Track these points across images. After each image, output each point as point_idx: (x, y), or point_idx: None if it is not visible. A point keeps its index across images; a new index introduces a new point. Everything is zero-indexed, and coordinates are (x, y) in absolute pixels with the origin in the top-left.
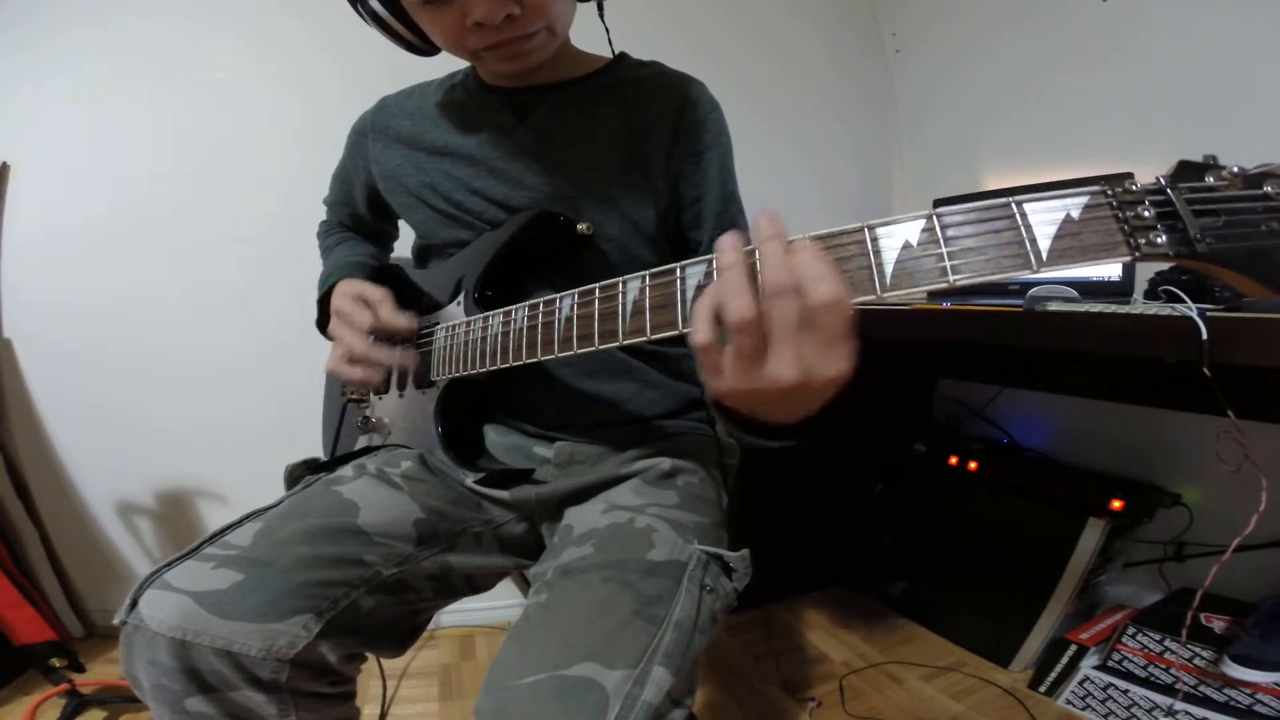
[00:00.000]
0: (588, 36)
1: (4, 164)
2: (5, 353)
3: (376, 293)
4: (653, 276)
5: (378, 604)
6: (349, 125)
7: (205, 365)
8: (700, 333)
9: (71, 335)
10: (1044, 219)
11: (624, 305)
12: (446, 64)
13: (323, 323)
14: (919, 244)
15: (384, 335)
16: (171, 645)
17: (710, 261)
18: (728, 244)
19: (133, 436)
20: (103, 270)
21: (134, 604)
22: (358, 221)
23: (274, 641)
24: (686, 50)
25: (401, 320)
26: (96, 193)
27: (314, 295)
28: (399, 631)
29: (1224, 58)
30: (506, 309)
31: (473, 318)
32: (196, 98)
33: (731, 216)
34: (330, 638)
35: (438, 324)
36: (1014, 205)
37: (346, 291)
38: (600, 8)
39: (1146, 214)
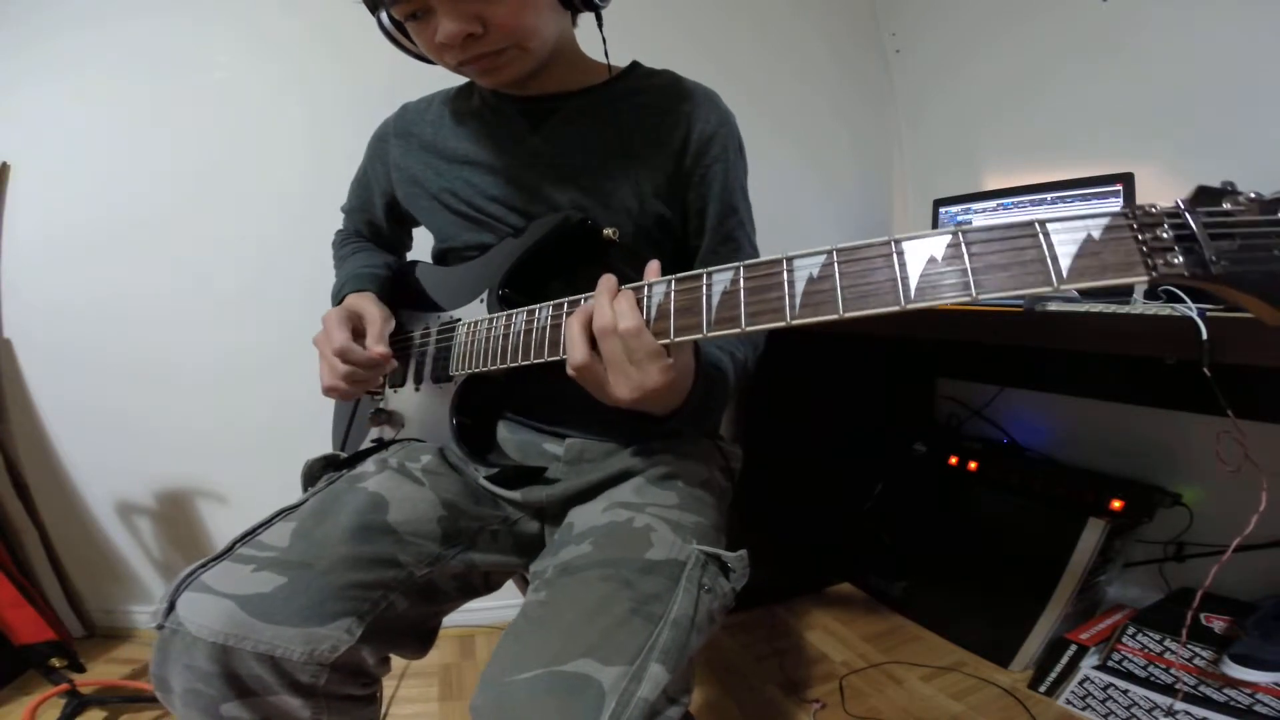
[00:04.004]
0: (597, 42)
1: (4, 164)
2: (5, 353)
3: (373, 313)
4: (678, 281)
5: (410, 605)
6: (349, 125)
7: (205, 365)
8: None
9: (71, 335)
10: (1065, 238)
11: (649, 308)
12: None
13: None
14: (944, 258)
15: (350, 358)
16: (212, 650)
17: (738, 269)
18: (585, 305)
19: (133, 436)
20: (103, 270)
21: (171, 607)
22: (374, 230)
23: (317, 645)
24: (687, 50)
25: (377, 349)
26: (96, 193)
27: (316, 295)
28: (422, 632)
29: (1224, 57)
30: (529, 307)
31: (495, 315)
32: (196, 98)
33: (729, 230)
34: (370, 641)
35: (458, 320)
36: (1037, 224)
37: (346, 305)
38: (599, 20)
39: (1165, 235)
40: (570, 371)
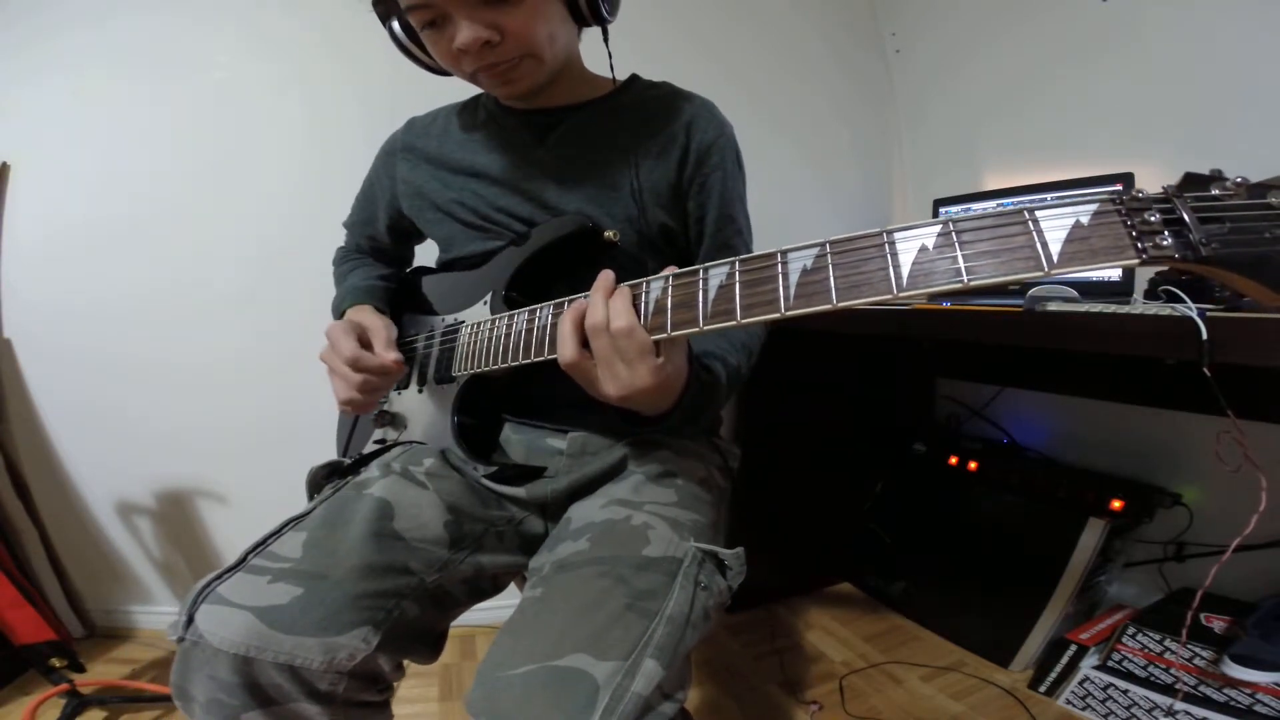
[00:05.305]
0: (604, 54)
1: (4, 164)
2: (5, 353)
3: (376, 322)
4: (675, 277)
5: (422, 611)
6: (349, 125)
7: (205, 365)
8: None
9: (71, 335)
10: (1055, 224)
11: (646, 304)
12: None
13: None
14: (935, 248)
15: (363, 365)
16: (234, 661)
17: (733, 263)
18: (575, 304)
19: (133, 436)
20: (103, 270)
21: (190, 620)
22: (374, 244)
23: (335, 654)
24: (688, 50)
25: (388, 356)
26: (96, 193)
27: (317, 295)
28: (432, 637)
29: (1224, 57)
30: (531, 307)
31: (498, 315)
32: (196, 98)
33: (726, 237)
34: (385, 648)
35: (462, 322)
36: (1026, 211)
37: (347, 319)
38: (605, 34)
39: (1153, 219)
40: (562, 367)
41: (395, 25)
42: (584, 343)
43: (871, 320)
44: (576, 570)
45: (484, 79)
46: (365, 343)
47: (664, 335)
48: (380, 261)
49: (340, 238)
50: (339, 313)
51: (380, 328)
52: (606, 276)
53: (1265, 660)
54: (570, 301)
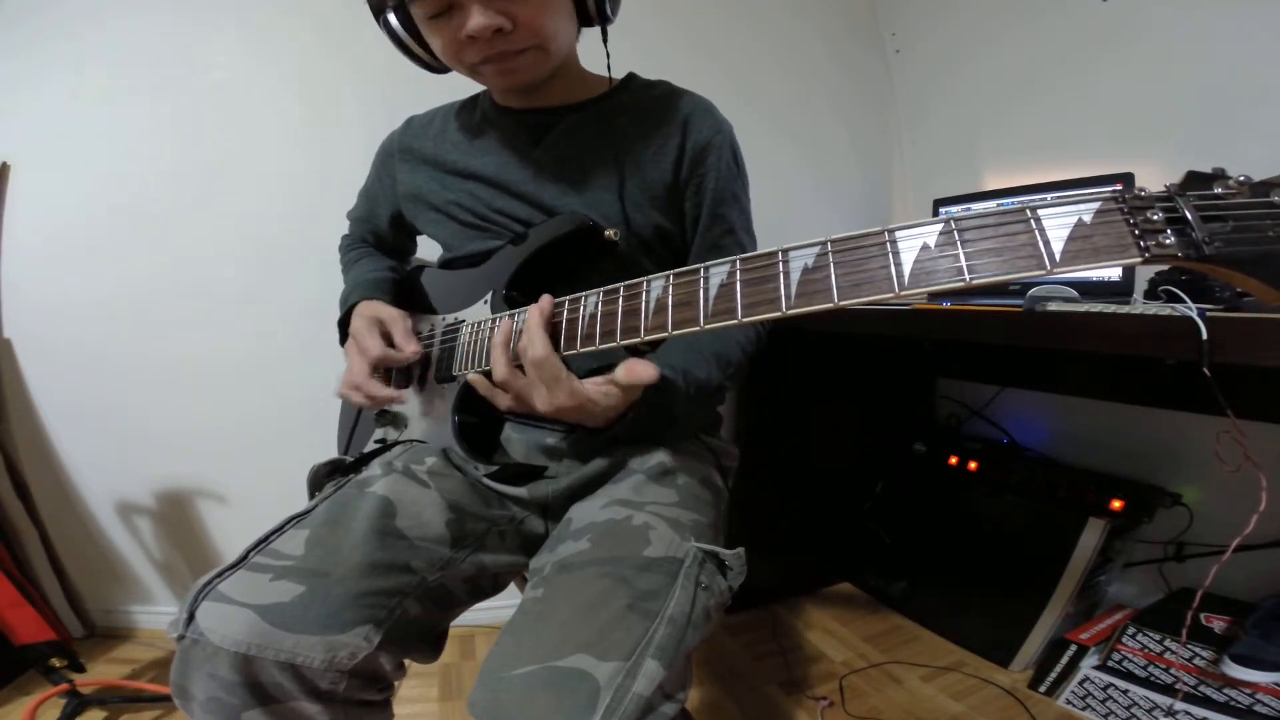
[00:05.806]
0: (600, 54)
1: (4, 164)
2: (5, 353)
3: (392, 313)
4: (676, 276)
5: (423, 610)
6: (349, 125)
7: (205, 365)
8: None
9: (71, 335)
10: (1057, 223)
11: (647, 303)
12: (455, 77)
13: (344, 339)
14: (937, 246)
15: (390, 363)
16: (234, 659)
17: (734, 262)
18: (503, 324)
19: (133, 436)
20: (103, 270)
21: (191, 617)
22: (379, 238)
23: (336, 653)
24: (687, 50)
25: (409, 349)
26: (96, 193)
27: (316, 294)
28: (433, 636)
29: (1224, 57)
30: (530, 307)
31: (498, 315)
32: (196, 98)
33: (715, 237)
34: (387, 647)
35: (463, 321)
36: (1028, 210)
37: (364, 313)
38: (604, 34)
39: (1155, 218)
40: (495, 384)
41: (392, 18)
42: (516, 363)
43: (871, 320)
44: (578, 571)
45: (487, 70)
46: (386, 336)
47: (664, 334)
48: (384, 253)
49: (344, 227)
50: (347, 305)
51: (397, 318)
52: (543, 302)
53: (1265, 660)
54: (573, 300)
